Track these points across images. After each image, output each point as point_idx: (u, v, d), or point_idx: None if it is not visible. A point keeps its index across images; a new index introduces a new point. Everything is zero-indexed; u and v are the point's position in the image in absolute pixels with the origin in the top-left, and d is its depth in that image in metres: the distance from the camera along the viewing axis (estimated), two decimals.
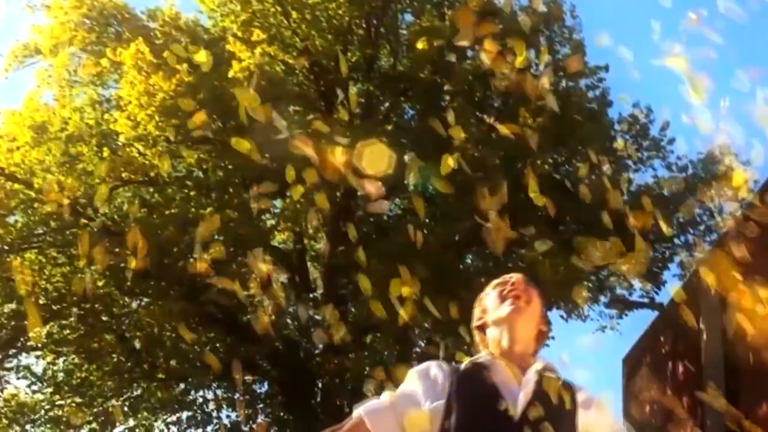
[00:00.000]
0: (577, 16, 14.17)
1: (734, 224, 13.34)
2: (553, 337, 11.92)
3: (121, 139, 12.56)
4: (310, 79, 13.96)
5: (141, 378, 14.29)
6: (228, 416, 15.43)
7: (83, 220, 12.60)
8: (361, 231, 13.46)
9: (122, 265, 11.76)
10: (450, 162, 2.20)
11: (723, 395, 9.86)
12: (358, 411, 2.16)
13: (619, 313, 15.22)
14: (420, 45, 12.40)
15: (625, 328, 15.85)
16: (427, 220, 13.17)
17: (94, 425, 14.38)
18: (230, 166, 12.63)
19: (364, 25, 13.80)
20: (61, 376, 14.79)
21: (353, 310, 13.06)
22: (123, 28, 13.75)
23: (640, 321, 16.77)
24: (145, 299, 13.42)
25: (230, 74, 11.81)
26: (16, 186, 12.72)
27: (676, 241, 14.37)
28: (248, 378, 14.99)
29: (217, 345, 14.11)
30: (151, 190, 13.72)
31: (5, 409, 14.72)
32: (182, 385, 15.01)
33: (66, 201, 11.11)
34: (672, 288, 10.21)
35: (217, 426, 15.23)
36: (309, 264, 15.17)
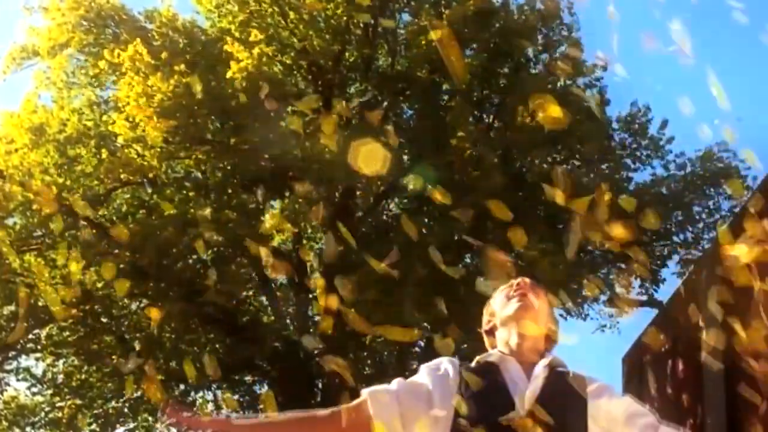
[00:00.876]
0: (575, 13, 14.18)
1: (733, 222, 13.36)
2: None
3: (120, 140, 12.56)
4: (309, 79, 13.97)
5: (141, 379, 14.25)
6: (228, 417, 15.41)
7: (82, 222, 12.60)
8: (361, 231, 13.45)
9: (121, 266, 11.78)
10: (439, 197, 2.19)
11: (723, 394, 9.84)
12: (365, 392, 2.18)
13: (619, 312, 15.21)
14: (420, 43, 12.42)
15: (625, 326, 15.86)
16: (426, 220, 13.19)
17: (94, 427, 14.39)
18: (229, 167, 12.64)
19: (361, 25, 13.80)
20: (60, 378, 14.79)
21: (353, 310, 13.05)
22: (121, 29, 13.74)
23: (640, 319, 16.77)
24: (145, 300, 13.42)
25: (228, 75, 11.82)
26: (15, 188, 12.70)
27: (675, 238, 14.39)
28: (248, 378, 15.00)
29: (217, 346, 14.11)
30: (150, 191, 13.72)
31: (5, 411, 14.73)
32: (182, 386, 15.01)
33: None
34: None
35: None
36: (308, 264, 15.17)
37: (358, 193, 14.04)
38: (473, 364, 2.24)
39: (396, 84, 13.83)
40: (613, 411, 2.15)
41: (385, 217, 14.69)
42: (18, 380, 14.64)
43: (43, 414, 14.86)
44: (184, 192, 13.24)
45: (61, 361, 14.72)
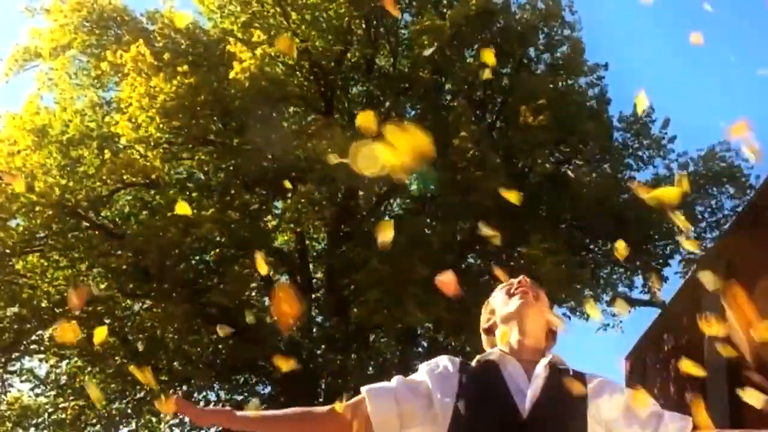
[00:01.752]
0: (576, 11, 14.17)
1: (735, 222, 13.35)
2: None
3: (122, 141, 12.56)
4: (310, 80, 13.98)
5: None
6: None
7: (84, 223, 12.62)
8: (362, 231, 13.46)
9: (124, 267, 11.80)
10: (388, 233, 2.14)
11: (725, 394, 9.84)
12: (363, 390, 2.18)
13: (621, 311, 15.19)
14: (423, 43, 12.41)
15: (627, 326, 15.81)
16: (428, 220, 13.19)
17: (97, 428, 14.39)
18: (231, 168, 12.64)
19: (363, 26, 13.80)
20: (64, 379, 14.79)
21: (355, 310, 13.07)
22: (123, 30, 13.76)
23: (642, 319, 16.74)
24: (148, 301, 13.42)
25: (231, 75, 11.83)
26: (18, 189, 12.71)
27: (677, 238, 14.37)
28: (249, 378, 14.99)
29: (220, 346, 14.10)
30: (153, 192, 13.72)
31: (9, 412, 14.71)
32: (185, 387, 15.01)
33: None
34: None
35: (220, 428, 15.21)
36: (310, 264, 15.17)
37: (360, 193, 14.04)
38: (473, 363, 2.24)
39: (398, 84, 13.84)
40: (613, 409, 2.15)
41: (387, 218, 14.68)
42: (21, 381, 14.64)
43: (46, 415, 14.85)
44: (187, 193, 13.25)
45: (64, 362, 14.72)
